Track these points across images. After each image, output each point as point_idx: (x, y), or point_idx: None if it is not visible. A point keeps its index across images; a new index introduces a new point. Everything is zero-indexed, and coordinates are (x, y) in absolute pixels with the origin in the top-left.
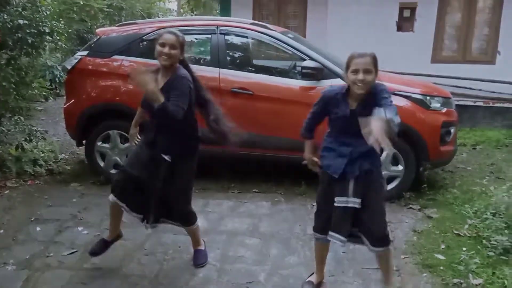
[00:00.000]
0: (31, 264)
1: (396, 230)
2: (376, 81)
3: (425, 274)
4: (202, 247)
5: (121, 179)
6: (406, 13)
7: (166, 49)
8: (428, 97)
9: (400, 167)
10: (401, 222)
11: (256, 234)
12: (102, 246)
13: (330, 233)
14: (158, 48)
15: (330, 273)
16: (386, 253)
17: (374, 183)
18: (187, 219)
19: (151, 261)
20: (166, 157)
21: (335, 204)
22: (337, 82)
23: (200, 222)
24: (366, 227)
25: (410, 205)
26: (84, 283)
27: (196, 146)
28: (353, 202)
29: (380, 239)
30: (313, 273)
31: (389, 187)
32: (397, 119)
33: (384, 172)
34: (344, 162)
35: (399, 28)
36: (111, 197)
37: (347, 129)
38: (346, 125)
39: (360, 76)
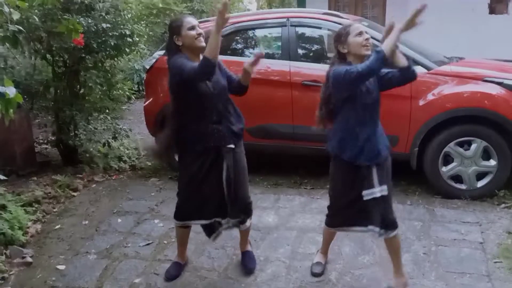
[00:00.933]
0: (111, 253)
1: (487, 232)
2: None
3: None
4: (250, 248)
5: (182, 202)
6: None
7: (199, 30)
8: None
9: (493, 162)
10: (493, 223)
11: None
12: (179, 269)
13: (370, 227)
14: (190, 33)
15: (409, 276)
16: (398, 238)
17: (389, 168)
18: (250, 209)
19: (221, 255)
20: (230, 146)
21: (364, 198)
22: (418, 70)
23: (271, 217)
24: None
25: (505, 204)
26: (157, 273)
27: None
28: (381, 190)
29: (392, 223)
30: (318, 251)
31: (480, 184)
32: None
33: (474, 168)
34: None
35: (492, 11)
36: (180, 223)
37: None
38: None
39: (366, 35)
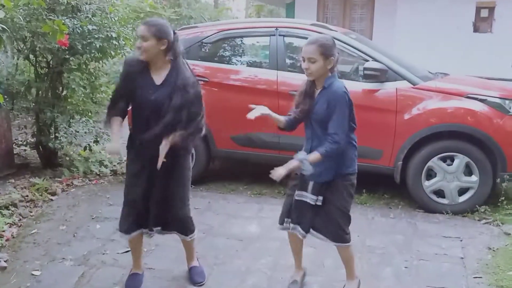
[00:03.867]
0: (88, 260)
1: (467, 247)
2: (332, 76)
3: None
4: (197, 264)
5: (125, 215)
6: (484, 13)
7: (139, 43)
8: (507, 101)
9: (474, 178)
10: (474, 238)
11: (311, 243)
12: (139, 280)
13: (296, 226)
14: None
15: None
16: (349, 251)
17: (337, 189)
18: (185, 225)
19: (202, 265)
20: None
21: (295, 198)
22: (403, 85)
23: (253, 227)
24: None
25: (486, 220)
26: None
27: (194, 145)
28: (314, 199)
29: (338, 237)
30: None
31: (462, 199)
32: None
33: (456, 183)
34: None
35: (476, 29)
36: (122, 236)
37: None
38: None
39: (304, 64)
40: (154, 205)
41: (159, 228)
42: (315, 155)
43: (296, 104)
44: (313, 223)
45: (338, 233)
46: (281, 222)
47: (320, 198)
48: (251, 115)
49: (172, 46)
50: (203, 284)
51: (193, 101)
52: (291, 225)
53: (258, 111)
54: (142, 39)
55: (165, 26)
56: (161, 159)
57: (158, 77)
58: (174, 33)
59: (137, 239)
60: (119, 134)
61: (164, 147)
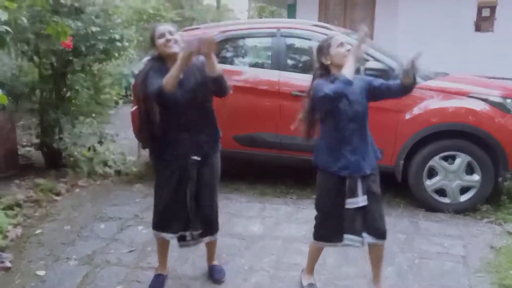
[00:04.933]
0: (92, 260)
1: (469, 245)
2: None
3: None
4: (217, 262)
5: (158, 213)
6: (485, 12)
7: (168, 36)
8: (508, 100)
9: (476, 177)
10: (476, 237)
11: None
12: (162, 281)
13: (347, 236)
14: (159, 41)
15: None
16: (382, 249)
17: (376, 179)
18: (214, 227)
19: (205, 264)
20: (195, 157)
21: (347, 207)
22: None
23: (256, 226)
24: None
25: (487, 219)
26: (139, 281)
27: (220, 141)
28: (363, 200)
29: (380, 232)
30: (303, 271)
31: (463, 198)
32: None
33: (457, 182)
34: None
35: (477, 28)
36: (155, 233)
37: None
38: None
39: (347, 46)
40: (192, 207)
41: (198, 232)
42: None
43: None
44: (364, 226)
45: (385, 229)
46: (329, 240)
47: (365, 197)
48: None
49: None
50: (223, 281)
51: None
52: (350, 236)
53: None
54: (169, 34)
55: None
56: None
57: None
58: None
59: (166, 241)
60: None
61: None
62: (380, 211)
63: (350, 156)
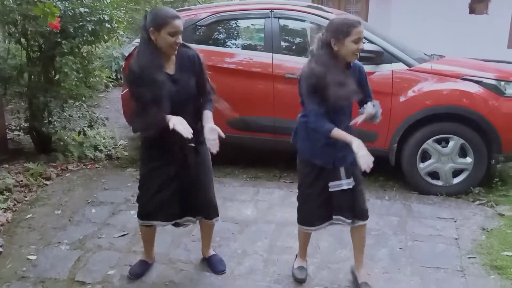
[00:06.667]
0: (84, 244)
1: (461, 228)
2: None
3: (493, 276)
4: (214, 252)
5: (145, 201)
6: None
7: (179, 39)
8: (502, 83)
9: (469, 160)
10: (468, 219)
11: None
12: (144, 268)
13: (335, 216)
14: (168, 38)
15: (385, 270)
16: (364, 230)
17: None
18: (212, 208)
19: (198, 248)
20: (192, 144)
21: (330, 190)
22: (399, 67)
23: (250, 210)
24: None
25: (480, 201)
26: (131, 265)
27: None
28: (347, 183)
29: (362, 213)
30: (296, 256)
31: (456, 180)
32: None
33: (450, 165)
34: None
35: (472, 11)
36: (139, 222)
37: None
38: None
39: (362, 45)
40: (183, 194)
41: (189, 217)
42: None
43: (354, 91)
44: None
45: (366, 208)
46: (312, 224)
47: (351, 180)
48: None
49: None
50: (225, 272)
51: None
52: (335, 216)
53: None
54: (180, 34)
55: None
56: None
57: (170, 66)
58: None
59: (153, 229)
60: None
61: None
62: (362, 192)
63: (328, 148)
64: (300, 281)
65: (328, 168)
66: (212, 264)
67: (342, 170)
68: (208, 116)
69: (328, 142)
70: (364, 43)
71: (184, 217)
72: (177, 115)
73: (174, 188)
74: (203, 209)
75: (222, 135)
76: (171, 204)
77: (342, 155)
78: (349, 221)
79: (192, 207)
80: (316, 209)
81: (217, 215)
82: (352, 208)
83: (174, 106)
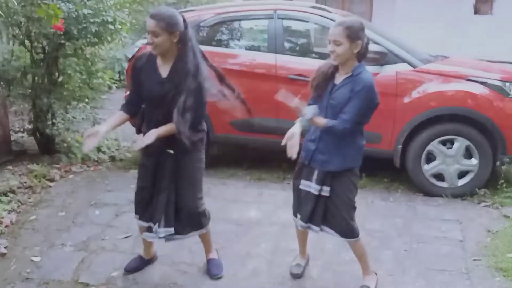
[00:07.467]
0: (87, 246)
1: (466, 230)
2: (361, 65)
3: (498, 278)
4: (215, 256)
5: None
6: None
7: (149, 38)
8: (508, 84)
9: (474, 161)
10: (473, 221)
11: None
12: (139, 263)
13: (298, 215)
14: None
15: (389, 272)
16: (360, 246)
17: (344, 181)
18: (197, 219)
19: (202, 250)
20: (170, 151)
21: (300, 187)
22: (403, 68)
23: (253, 212)
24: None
25: (485, 203)
26: None
27: (202, 138)
28: (316, 189)
29: (348, 231)
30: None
31: (461, 182)
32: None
33: (455, 166)
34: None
35: (476, 11)
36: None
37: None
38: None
39: (330, 47)
40: (164, 198)
41: (171, 229)
42: (320, 119)
43: (315, 86)
44: (324, 217)
45: (348, 227)
46: (295, 214)
47: (326, 188)
48: (288, 102)
49: (183, 36)
50: (221, 277)
51: (192, 95)
52: (303, 223)
53: (294, 102)
54: (152, 35)
55: (174, 17)
56: (139, 145)
57: (165, 69)
58: (184, 20)
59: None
60: (110, 124)
61: (148, 137)
62: (342, 212)
63: (308, 144)
64: (295, 276)
65: (305, 164)
66: (208, 268)
67: (315, 173)
68: (166, 126)
69: (312, 138)
70: (369, 44)
71: (152, 222)
72: (157, 114)
73: (152, 192)
74: (188, 223)
75: (149, 142)
76: (150, 206)
77: (320, 159)
78: (317, 228)
79: (175, 216)
80: (295, 200)
81: (203, 226)
82: (333, 223)
83: (152, 105)
